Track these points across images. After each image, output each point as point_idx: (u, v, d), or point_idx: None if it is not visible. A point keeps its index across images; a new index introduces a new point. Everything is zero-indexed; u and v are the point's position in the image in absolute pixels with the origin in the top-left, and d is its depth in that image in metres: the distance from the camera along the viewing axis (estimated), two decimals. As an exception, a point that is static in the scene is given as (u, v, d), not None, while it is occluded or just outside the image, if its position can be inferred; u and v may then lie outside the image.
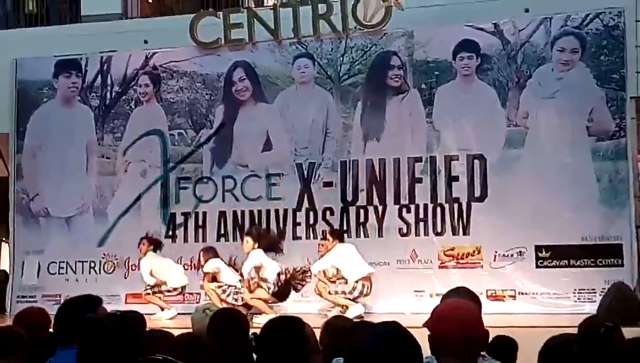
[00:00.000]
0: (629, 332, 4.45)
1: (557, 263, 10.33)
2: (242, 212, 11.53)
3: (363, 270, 10.01)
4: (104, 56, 12.39)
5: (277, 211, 11.26)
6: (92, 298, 4.30)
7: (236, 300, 9.96)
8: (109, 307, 7.60)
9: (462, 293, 4.00)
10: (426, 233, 10.85)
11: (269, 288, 9.87)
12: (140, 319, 4.86)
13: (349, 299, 9.89)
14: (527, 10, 10.93)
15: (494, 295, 10.34)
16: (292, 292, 10.10)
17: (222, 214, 11.60)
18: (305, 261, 10.84)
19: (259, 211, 11.20)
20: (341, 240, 10.27)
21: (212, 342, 3.87)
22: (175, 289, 10.80)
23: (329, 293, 9.99)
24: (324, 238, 10.43)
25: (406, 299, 10.44)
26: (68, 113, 12.45)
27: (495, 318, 8.36)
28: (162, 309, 10.66)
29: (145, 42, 12.15)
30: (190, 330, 4.97)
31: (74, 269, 11.96)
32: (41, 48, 12.36)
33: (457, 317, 3.08)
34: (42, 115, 12.50)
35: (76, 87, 12.50)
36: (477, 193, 10.75)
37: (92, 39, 12.30)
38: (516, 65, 10.88)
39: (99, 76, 12.45)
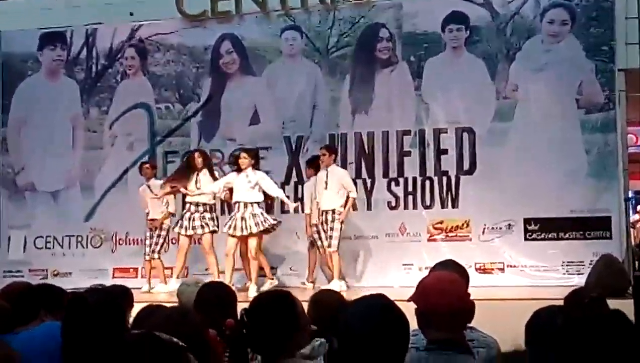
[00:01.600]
0: (618, 304, 4.50)
1: (546, 236, 10.38)
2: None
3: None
4: (90, 28, 12.31)
5: (265, 184, 11.22)
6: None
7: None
8: (97, 281, 7.60)
9: (450, 266, 4.01)
10: (415, 207, 10.88)
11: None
12: (125, 293, 4.87)
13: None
14: (516, -18, 10.90)
15: (482, 268, 10.40)
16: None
17: (210, 188, 11.59)
18: (293, 235, 10.90)
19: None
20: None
21: (201, 317, 3.89)
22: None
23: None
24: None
25: (395, 272, 10.49)
26: (53, 86, 12.39)
27: (483, 291, 8.46)
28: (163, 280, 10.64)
29: (131, 14, 12.04)
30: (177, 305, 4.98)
31: (61, 244, 11.96)
32: (26, 20, 12.25)
33: (442, 290, 3.09)
34: (27, 88, 12.43)
35: (61, 60, 12.42)
36: (466, 166, 10.77)
37: (77, 11, 12.20)
38: (505, 37, 10.86)
39: (85, 49, 12.37)
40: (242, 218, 9.67)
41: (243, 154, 9.98)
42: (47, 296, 4.31)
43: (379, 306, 2.89)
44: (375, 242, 10.90)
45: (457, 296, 3.10)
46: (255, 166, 9.99)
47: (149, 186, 10.72)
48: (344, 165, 11.04)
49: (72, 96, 12.29)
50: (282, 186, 11.05)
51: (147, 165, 10.94)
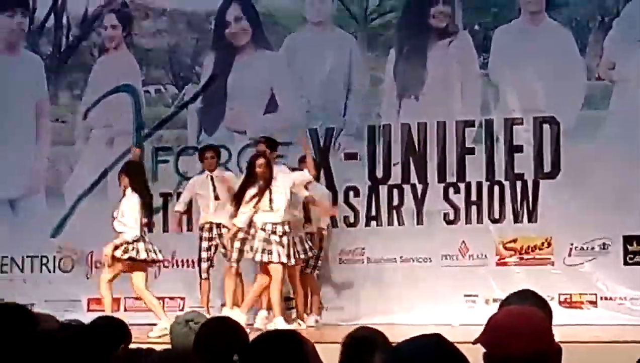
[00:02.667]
0: None
1: (652, 259, 10.33)
2: (239, 192, 11.54)
3: None
4: (59, -12, 12.42)
5: (284, 191, 11.26)
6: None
7: None
8: (67, 316, 7.60)
9: (527, 298, 3.99)
10: (480, 220, 10.85)
11: None
12: (119, 328, 4.72)
13: None
14: None
15: (568, 300, 10.36)
16: None
17: (213, 195, 11.63)
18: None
19: (261, 192, 11.18)
20: None
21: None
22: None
23: None
24: None
25: (454, 306, 10.49)
26: (11, 63, 12.47)
27: (570, 330, 8.42)
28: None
29: (113, -31, 12.16)
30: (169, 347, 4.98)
31: (21, 266, 12.02)
32: (-24, -22, 12.42)
33: (521, 329, 3.07)
34: (-24, 66, 12.57)
35: (22, 29, 12.50)
36: (547, 168, 10.73)
37: (42, -35, 12.33)
38: (599, -1, 10.86)
39: (52, 15, 12.44)
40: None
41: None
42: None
43: (434, 348, 2.87)
44: (427, 266, 10.86)
45: (540, 337, 3.07)
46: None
47: (212, 179, 10.61)
48: (386, 167, 11.05)
49: (36, 75, 12.35)
50: (307, 192, 11.08)
51: (212, 153, 10.70)
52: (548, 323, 3.29)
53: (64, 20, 12.44)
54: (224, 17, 11.88)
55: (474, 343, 3.12)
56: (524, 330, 3.08)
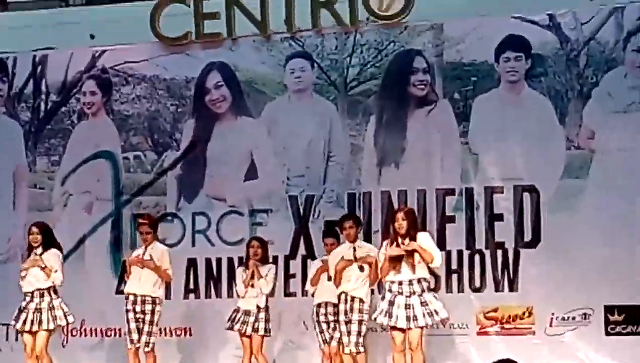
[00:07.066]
0: None
1: (633, 329, 10.30)
2: (218, 260, 11.54)
3: None
4: (38, 54, 12.42)
5: (264, 259, 11.24)
6: None
7: None
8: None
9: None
10: (461, 289, 10.84)
11: None
12: None
13: None
14: (592, -3, 11.01)
15: (550, 370, 10.32)
16: None
17: (192, 262, 11.61)
18: (301, 325, 10.86)
19: (241, 259, 11.11)
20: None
21: None
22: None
23: None
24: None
25: (434, 376, 10.43)
26: (-11, 129, 12.50)
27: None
28: None
29: (92, 37, 12.18)
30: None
31: (-4, 335, 11.93)
32: (-46, 44, 12.44)
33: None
34: (-46, 132, 12.55)
35: (0, 95, 12.51)
36: (528, 237, 10.74)
37: (21, 32, 12.34)
38: (578, 69, 10.89)
39: (31, 81, 12.48)
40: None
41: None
42: None
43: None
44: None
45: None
46: None
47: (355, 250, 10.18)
48: (367, 234, 11.03)
49: (14, 141, 12.37)
50: (286, 260, 11.05)
51: (350, 223, 10.22)
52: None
53: (43, 87, 12.47)
54: (204, 83, 11.94)
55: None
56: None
